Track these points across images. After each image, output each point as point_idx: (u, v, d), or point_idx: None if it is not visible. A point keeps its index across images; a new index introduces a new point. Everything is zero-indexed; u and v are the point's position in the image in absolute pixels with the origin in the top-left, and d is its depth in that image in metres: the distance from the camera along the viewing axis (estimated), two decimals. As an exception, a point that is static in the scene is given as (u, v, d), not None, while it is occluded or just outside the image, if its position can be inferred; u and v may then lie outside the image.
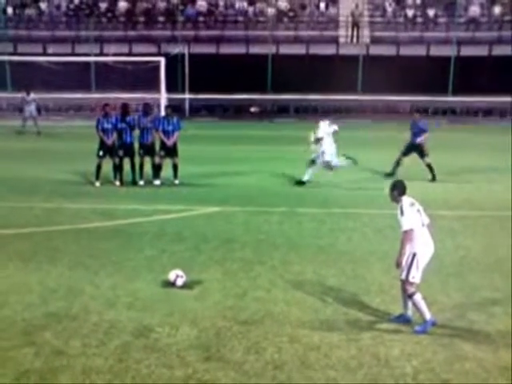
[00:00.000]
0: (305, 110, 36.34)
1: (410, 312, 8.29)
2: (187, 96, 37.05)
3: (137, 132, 18.18)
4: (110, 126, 17.97)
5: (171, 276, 9.59)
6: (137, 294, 9.22)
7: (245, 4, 43.05)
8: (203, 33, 41.96)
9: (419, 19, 41.87)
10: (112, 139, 18.00)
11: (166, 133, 18.09)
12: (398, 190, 8.41)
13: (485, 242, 12.24)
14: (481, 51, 39.22)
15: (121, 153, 18.07)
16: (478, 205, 15.50)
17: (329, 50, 39.84)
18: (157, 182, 18.07)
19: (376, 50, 39.57)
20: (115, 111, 19.11)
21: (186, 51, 38.30)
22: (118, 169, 18.15)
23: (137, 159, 18.16)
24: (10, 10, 43.76)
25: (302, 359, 7.30)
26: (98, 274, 10.08)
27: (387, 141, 26.62)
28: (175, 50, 38.05)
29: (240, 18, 42.46)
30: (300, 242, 12.13)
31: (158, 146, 18.19)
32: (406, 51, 39.54)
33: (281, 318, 8.44)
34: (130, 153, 18.13)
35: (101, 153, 17.94)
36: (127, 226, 13.34)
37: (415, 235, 8.05)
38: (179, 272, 9.62)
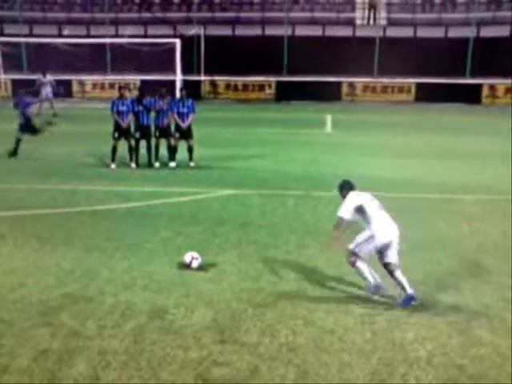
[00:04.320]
0: (321, 92, 36.03)
1: (409, 289, 8.29)
2: (203, 78, 37.03)
3: (152, 114, 18.23)
4: (125, 109, 18.05)
5: (187, 258, 9.61)
6: (152, 276, 9.26)
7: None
8: (219, 14, 41.78)
9: (437, 0, 41.41)
10: (127, 121, 18.07)
11: (181, 115, 18.14)
12: (346, 189, 8.72)
13: (503, 227, 12.13)
14: (502, 32, 38.73)
15: (137, 135, 18.16)
16: (496, 189, 15.36)
17: (345, 31, 39.56)
18: (172, 164, 18.12)
19: (393, 32, 39.25)
20: (131, 93, 19.16)
21: (201, 33, 38.16)
22: (133, 151, 18.22)
23: (152, 141, 18.23)
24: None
25: (316, 342, 7.30)
26: (114, 256, 10.12)
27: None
28: (191, 31, 37.97)
29: (256, 0, 42.22)
30: (315, 226, 12.10)
31: (173, 129, 18.28)
32: (423, 33, 39.14)
33: (295, 301, 8.45)
34: (146, 135, 18.20)
35: (116, 134, 18.06)
36: (143, 208, 13.39)
37: (372, 220, 8.34)
38: (195, 254, 9.64)
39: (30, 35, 40.12)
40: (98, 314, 7.96)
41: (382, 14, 40.86)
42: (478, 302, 8.50)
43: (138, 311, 8.06)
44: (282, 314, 8.03)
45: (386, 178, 16.56)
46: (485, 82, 36.84)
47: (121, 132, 18.07)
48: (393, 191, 14.76)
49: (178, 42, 29.64)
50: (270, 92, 37.34)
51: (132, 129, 18.22)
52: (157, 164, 18.19)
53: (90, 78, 37.28)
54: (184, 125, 18.06)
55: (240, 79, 37.21)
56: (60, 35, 40.32)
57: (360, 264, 8.47)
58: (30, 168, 17.74)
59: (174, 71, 32.87)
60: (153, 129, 18.27)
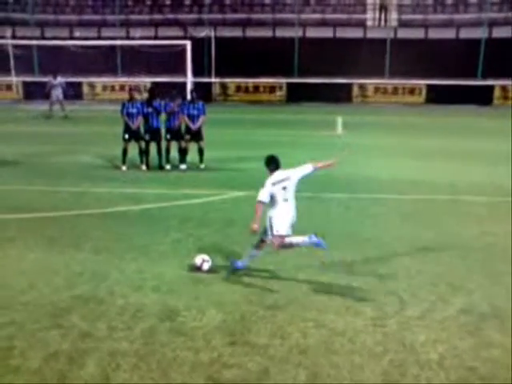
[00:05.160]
0: (331, 93, 36.02)
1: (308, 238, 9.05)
2: (213, 80, 37.07)
3: (163, 117, 18.28)
4: (135, 111, 18.10)
5: (197, 261, 9.60)
6: (163, 278, 9.26)
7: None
8: (229, 16, 41.84)
9: (449, 1, 41.28)
10: (137, 123, 18.12)
11: (192, 117, 18.17)
12: (273, 165, 9.40)
13: (513, 228, 12.06)
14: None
15: (147, 137, 18.21)
16: (506, 190, 15.28)
17: (356, 33, 39.51)
18: (183, 167, 18.15)
19: (404, 33, 39.17)
20: (141, 95, 19.18)
21: (212, 35, 38.21)
22: (144, 153, 18.26)
23: (163, 144, 18.28)
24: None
25: (327, 344, 7.28)
26: (124, 258, 10.12)
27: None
28: (202, 33, 38.06)
29: (267, 1, 42.24)
30: (326, 228, 12.05)
31: (183, 131, 18.30)
32: (434, 34, 39.04)
33: (306, 303, 8.42)
34: (156, 137, 18.24)
35: (126, 136, 18.09)
36: (153, 210, 13.40)
37: (276, 206, 9.09)
38: (205, 257, 9.63)
39: (42, 38, 40.35)
40: (108, 316, 7.97)
41: (393, 16, 40.78)
42: (489, 303, 8.45)
43: (148, 313, 8.06)
44: (293, 316, 8.01)
45: (396, 179, 16.57)
46: (496, 83, 36.68)
47: (131, 134, 18.12)
48: (403, 193, 14.80)
49: (188, 43, 29.63)
50: (280, 94, 37.38)
51: (142, 131, 18.29)
52: (168, 166, 18.24)
53: (100, 80, 37.44)
54: (194, 127, 18.10)
55: (251, 81, 37.23)
56: (71, 37, 40.49)
57: (292, 239, 9.12)
58: (40, 170, 17.81)
59: (184, 73, 32.95)
60: (163, 131, 18.34)
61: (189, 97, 24.66)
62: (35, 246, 10.73)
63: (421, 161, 19.30)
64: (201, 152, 18.27)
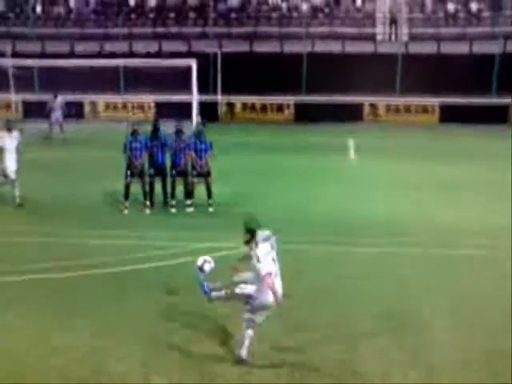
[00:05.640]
0: (342, 112, 34.67)
1: (244, 352, 8.32)
2: (220, 98, 35.69)
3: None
4: (138, 145, 16.95)
5: (199, 261, 9.43)
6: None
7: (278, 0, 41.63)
8: (235, 30, 40.64)
9: (461, 14, 39.99)
10: (141, 160, 16.97)
11: (199, 152, 17.08)
12: (254, 237, 8.51)
13: None
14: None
15: (152, 171, 17.10)
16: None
17: (366, 48, 38.21)
18: (189, 209, 16.98)
19: (415, 48, 37.86)
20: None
21: (218, 51, 36.96)
22: (148, 190, 17.13)
23: (168, 180, 17.20)
24: (38, 8, 42.93)
25: None
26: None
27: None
28: (207, 48, 36.93)
29: (274, 15, 41.03)
30: (336, 286, 10.84)
31: (190, 167, 17.21)
32: (447, 48, 37.65)
33: None
34: (161, 173, 17.18)
35: (129, 173, 16.94)
36: (149, 273, 12.13)
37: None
38: (207, 258, 9.48)
39: (42, 53, 39.21)
40: None
41: (404, 30, 39.55)
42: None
43: None
44: None
45: (419, 221, 15.30)
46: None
47: (134, 171, 16.98)
48: (427, 243, 13.46)
49: (194, 62, 28.29)
50: (288, 113, 35.95)
51: (146, 166, 17.15)
52: (173, 202, 17.11)
53: (102, 98, 36.16)
54: (202, 162, 16.98)
55: (258, 99, 35.92)
56: (72, 52, 39.32)
57: (250, 332, 8.39)
58: (33, 209, 16.63)
59: (189, 90, 31.63)
60: (168, 168, 17.30)
61: (194, 117, 23.79)
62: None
63: (443, 193, 18.15)
64: (208, 189, 17.14)
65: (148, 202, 17.00)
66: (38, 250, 13.26)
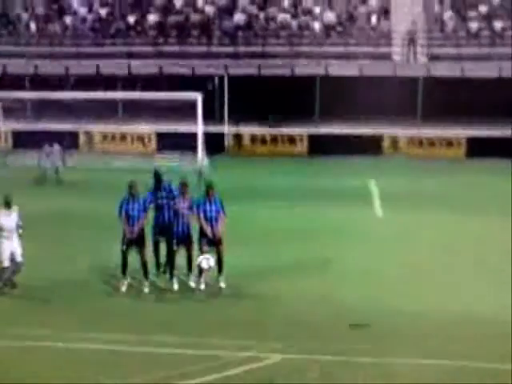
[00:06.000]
0: (359, 144, 31.62)
1: None
2: (226, 129, 32.64)
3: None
4: (136, 206, 14.14)
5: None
6: None
7: (288, 17, 38.79)
8: (242, 49, 37.81)
9: (484, 32, 37.03)
10: (138, 228, 14.10)
11: (209, 219, 14.17)
12: None
13: None
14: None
15: (156, 230, 14.53)
16: None
17: (383, 70, 35.31)
18: (201, 287, 14.06)
19: (437, 70, 34.95)
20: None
21: (224, 73, 34.08)
22: (154, 255, 14.69)
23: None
24: (33, 26, 40.14)
25: None
26: None
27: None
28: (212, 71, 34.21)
29: (283, 33, 38.19)
30: None
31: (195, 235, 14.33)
32: (472, 70, 34.60)
33: None
34: (167, 233, 14.42)
35: (125, 242, 14.17)
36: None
37: None
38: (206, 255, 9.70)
39: (35, 74, 36.45)
40: None
41: (423, 50, 36.72)
42: None
43: None
44: None
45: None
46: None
47: (131, 241, 14.22)
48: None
49: (199, 97, 25.41)
50: (301, 146, 32.49)
51: (151, 226, 14.53)
52: (175, 285, 14.26)
53: (98, 128, 33.08)
54: (214, 232, 14.09)
55: (268, 131, 32.87)
56: (67, 74, 36.49)
57: None
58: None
59: (193, 119, 28.83)
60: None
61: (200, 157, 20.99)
62: None
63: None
64: (220, 261, 14.11)
65: (146, 289, 14.10)
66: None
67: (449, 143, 32.22)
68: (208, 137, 27.46)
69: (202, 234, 14.25)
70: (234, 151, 32.49)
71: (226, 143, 32.54)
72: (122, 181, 14.89)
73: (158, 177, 14.62)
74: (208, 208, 14.26)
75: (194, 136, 27.66)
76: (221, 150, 31.73)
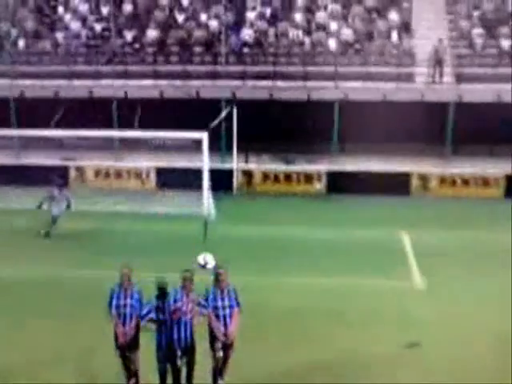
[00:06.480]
0: (384, 183, 27.86)
1: None
2: (235, 165, 28.87)
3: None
4: (129, 302, 10.98)
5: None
6: None
7: (300, 33, 35.32)
8: (250, 68, 34.34)
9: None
10: (131, 333, 10.96)
11: (221, 315, 11.01)
12: None
13: None
14: None
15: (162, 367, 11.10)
16: None
17: (407, 93, 31.79)
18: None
19: (467, 95, 31.39)
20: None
21: (231, 97, 30.58)
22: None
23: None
24: (21, 43, 36.63)
25: None
26: None
27: None
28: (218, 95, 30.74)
29: (295, 51, 34.71)
30: None
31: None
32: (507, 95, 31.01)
33: None
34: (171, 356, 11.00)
35: (117, 347, 11.01)
36: None
37: None
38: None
39: (21, 97, 33.02)
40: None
41: (450, 70, 33.26)
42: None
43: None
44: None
45: None
46: None
47: (124, 343, 10.96)
48: None
49: (205, 136, 21.84)
50: (319, 184, 28.64)
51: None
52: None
53: (91, 163, 29.38)
54: (227, 333, 10.98)
55: (281, 169, 29.13)
56: (57, 97, 33.04)
57: None
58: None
59: (198, 153, 25.16)
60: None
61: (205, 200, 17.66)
62: None
63: None
64: (225, 363, 11.25)
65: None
66: None
67: (485, 182, 28.22)
68: (214, 174, 23.87)
69: (212, 333, 11.13)
70: (243, 190, 28.57)
71: (234, 181, 28.73)
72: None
73: (162, 290, 11.10)
74: (220, 304, 11.07)
75: (197, 172, 24.03)
76: (229, 189, 28.17)
